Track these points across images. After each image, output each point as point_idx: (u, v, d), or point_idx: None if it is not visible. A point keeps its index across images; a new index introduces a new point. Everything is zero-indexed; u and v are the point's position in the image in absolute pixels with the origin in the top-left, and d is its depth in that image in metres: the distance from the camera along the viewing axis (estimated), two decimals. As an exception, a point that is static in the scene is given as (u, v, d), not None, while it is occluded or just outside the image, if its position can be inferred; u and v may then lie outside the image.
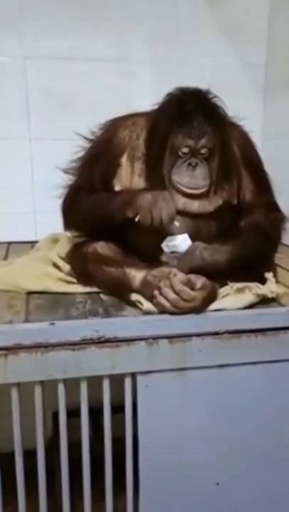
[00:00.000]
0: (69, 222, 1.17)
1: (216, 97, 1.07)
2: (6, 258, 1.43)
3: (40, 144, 1.60)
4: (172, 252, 1.06)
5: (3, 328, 0.94)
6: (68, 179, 1.17)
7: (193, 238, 1.06)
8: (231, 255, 1.04)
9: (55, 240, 1.35)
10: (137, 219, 1.02)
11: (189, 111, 1.03)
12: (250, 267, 1.06)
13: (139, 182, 1.10)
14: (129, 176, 1.10)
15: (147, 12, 1.59)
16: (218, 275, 1.03)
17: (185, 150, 1.05)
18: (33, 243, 1.52)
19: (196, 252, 1.03)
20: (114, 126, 1.14)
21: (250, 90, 1.71)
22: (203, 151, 1.06)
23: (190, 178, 1.06)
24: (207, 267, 1.02)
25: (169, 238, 1.06)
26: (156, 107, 1.10)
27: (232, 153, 1.12)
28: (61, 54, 1.56)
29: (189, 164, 1.06)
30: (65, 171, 1.17)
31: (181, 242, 1.05)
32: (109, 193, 1.12)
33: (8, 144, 1.59)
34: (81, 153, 1.17)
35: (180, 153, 1.05)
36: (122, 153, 1.11)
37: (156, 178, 1.08)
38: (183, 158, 1.06)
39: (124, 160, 1.11)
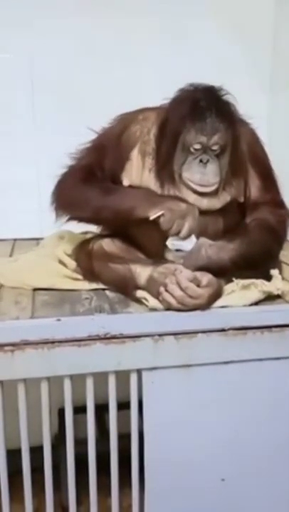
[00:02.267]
0: (67, 203, 1.12)
1: (228, 94, 1.07)
2: (11, 255, 1.44)
3: (46, 140, 1.59)
4: (177, 250, 1.06)
5: (9, 325, 0.95)
6: (69, 160, 1.14)
7: (200, 234, 1.05)
8: (237, 253, 1.04)
9: (60, 237, 1.36)
10: (153, 217, 1.00)
11: (203, 107, 1.03)
12: (256, 265, 1.06)
13: (149, 177, 1.09)
14: (140, 170, 1.10)
15: (154, 8, 1.59)
16: (224, 273, 1.03)
17: (197, 146, 1.05)
18: (38, 240, 1.52)
19: (201, 251, 1.03)
20: (125, 120, 1.14)
21: (256, 87, 1.70)
22: (214, 147, 1.05)
23: (201, 175, 1.06)
24: (213, 265, 1.02)
25: (174, 236, 1.06)
26: (166, 101, 1.09)
27: (241, 149, 1.12)
28: (67, 50, 1.56)
29: (200, 161, 1.06)
30: (70, 155, 1.15)
31: (187, 240, 1.05)
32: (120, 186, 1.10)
33: (14, 140, 1.59)
34: (87, 144, 1.15)
35: (192, 149, 1.05)
36: (132, 147, 1.11)
37: (167, 174, 1.08)
38: (194, 154, 1.06)
39: (134, 154, 1.10)
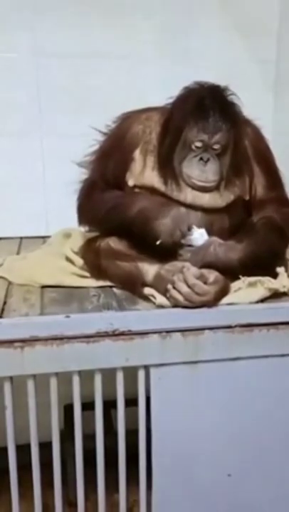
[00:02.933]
0: (84, 219, 1.18)
1: (233, 94, 1.08)
2: (18, 253, 1.44)
3: (52, 140, 1.60)
4: (188, 245, 1.07)
5: (19, 321, 0.96)
6: (83, 173, 1.18)
7: (207, 232, 1.07)
8: (245, 254, 1.05)
9: (67, 234, 1.36)
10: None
11: (206, 106, 1.04)
12: (263, 265, 1.07)
13: (151, 175, 1.10)
14: (141, 169, 1.11)
15: (158, 7, 1.59)
16: (231, 273, 1.04)
17: (198, 144, 1.06)
18: (44, 238, 1.53)
19: (210, 248, 1.04)
20: (128, 120, 1.15)
21: (261, 85, 1.70)
22: (216, 146, 1.06)
23: (201, 172, 1.07)
24: (220, 264, 1.03)
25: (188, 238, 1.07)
26: (170, 101, 1.10)
27: (244, 150, 1.13)
28: (72, 50, 1.56)
29: (201, 159, 1.07)
30: (79, 165, 1.18)
31: (198, 236, 1.06)
32: (125, 193, 1.13)
33: (20, 140, 1.59)
34: (95, 148, 1.17)
35: (193, 147, 1.06)
36: (135, 147, 1.12)
37: (168, 170, 1.08)
38: (195, 152, 1.07)
39: (137, 154, 1.12)
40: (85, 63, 1.58)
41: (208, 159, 1.06)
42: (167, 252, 1.06)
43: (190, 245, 1.07)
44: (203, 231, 1.07)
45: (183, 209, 1.07)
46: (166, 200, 1.09)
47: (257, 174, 1.16)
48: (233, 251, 1.05)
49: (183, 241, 1.07)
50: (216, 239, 1.06)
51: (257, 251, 1.06)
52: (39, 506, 1.06)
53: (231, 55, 1.65)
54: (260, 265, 1.06)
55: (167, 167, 1.09)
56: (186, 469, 1.08)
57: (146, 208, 1.06)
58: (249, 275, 1.05)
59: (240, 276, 1.06)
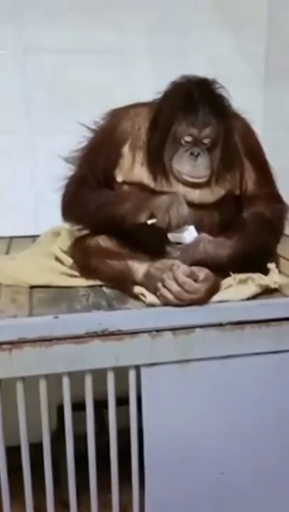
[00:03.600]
0: (70, 216, 1.17)
1: (221, 87, 1.07)
2: (7, 253, 1.43)
3: (41, 137, 1.58)
4: (177, 243, 1.06)
5: (7, 323, 0.95)
6: (70, 169, 1.16)
7: (196, 229, 1.05)
8: (235, 251, 1.04)
9: (56, 233, 1.35)
10: (150, 222, 1.02)
11: (195, 100, 1.03)
12: (254, 261, 1.06)
13: (141, 171, 1.09)
14: (130, 165, 1.10)
15: (148, 2, 1.58)
16: (221, 270, 1.03)
17: (188, 139, 1.04)
18: (34, 237, 1.51)
19: (199, 245, 1.03)
20: (116, 116, 1.14)
21: (251, 79, 1.69)
22: (206, 141, 1.05)
23: (191, 167, 1.05)
24: (209, 261, 1.02)
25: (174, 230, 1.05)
26: (159, 96, 1.09)
27: (234, 144, 1.12)
28: (61, 46, 1.54)
29: (191, 153, 1.05)
30: (67, 160, 1.16)
31: (187, 233, 1.05)
32: (114, 188, 1.12)
33: (8, 138, 1.57)
34: (83, 144, 1.16)
35: (182, 141, 1.05)
36: (124, 143, 1.10)
37: (158, 167, 1.07)
38: (185, 147, 1.05)
39: (126, 150, 1.10)
40: (74, 59, 1.56)
41: (198, 154, 1.05)
42: (159, 239, 1.05)
43: (179, 243, 1.06)
44: (192, 228, 1.05)
45: (174, 195, 1.04)
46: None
47: (248, 169, 1.15)
48: (222, 248, 1.04)
49: (172, 239, 1.06)
50: (205, 236, 1.05)
51: (247, 247, 1.05)
52: (30, 507, 1.05)
53: (221, 50, 1.64)
54: (251, 262, 1.05)
55: (157, 163, 1.08)
56: (178, 468, 1.07)
57: (138, 203, 1.04)
58: (239, 272, 1.04)
59: (231, 273, 1.05)
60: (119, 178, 1.11)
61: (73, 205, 1.14)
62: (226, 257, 1.03)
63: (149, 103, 1.12)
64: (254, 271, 1.05)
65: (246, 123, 1.16)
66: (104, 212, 1.08)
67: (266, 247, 1.10)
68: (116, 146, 1.11)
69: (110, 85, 1.56)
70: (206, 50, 1.62)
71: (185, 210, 1.02)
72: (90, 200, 1.11)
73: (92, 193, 1.12)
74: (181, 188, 1.07)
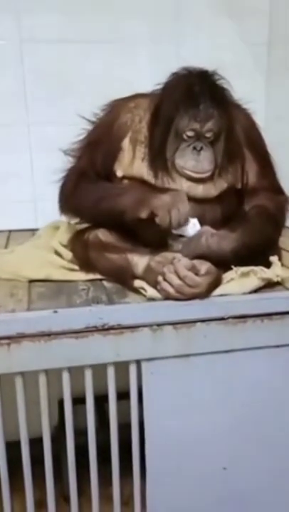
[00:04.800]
0: (68, 208, 1.15)
1: (222, 78, 1.05)
2: (6, 246, 1.42)
3: (39, 129, 1.57)
4: (179, 236, 1.05)
5: (5, 317, 0.93)
6: (68, 161, 1.15)
7: (199, 222, 1.04)
8: (238, 244, 1.02)
9: (56, 227, 1.34)
10: (153, 220, 1.00)
11: (196, 93, 1.01)
12: (256, 254, 1.04)
13: (141, 166, 1.07)
14: (130, 159, 1.08)
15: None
16: (224, 263, 1.01)
17: (190, 133, 1.03)
18: (33, 231, 1.50)
19: (202, 239, 1.01)
20: (116, 108, 1.12)
21: (253, 70, 1.67)
22: (208, 134, 1.03)
23: (195, 162, 1.04)
24: (212, 254, 1.00)
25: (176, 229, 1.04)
26: (159, 87, 1.07)
27: (236, 136, 1.10)
28: (58, 36, 1.52)
29: (194, 148, 1.04)
30: (66, 153, 1.15)
31: (190, 226, 1.03)
32: (114, 183, 1.10)
33: (6, 130, 1.55)
34: (83, 136, 1.14)
35: (185, 136, 1.03)
36: (123, 136, 1.09)
37: (160, 162, 1.06)
38: (187, 141, 1.04)
39: (126, 144, 1.09)
40: (71, 49, 1.54)
41: (201, 148, 1.04)
42: (160, 233, 1.03)
43: (181, 236, 1.04)
44: (195, 221, 1.04)
45: (176, 193, 1.02)
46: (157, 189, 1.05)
47: (249, 160, 1.13)
48: (225, 241, 1.02)
49: (174, 231, 1.04)
50: (208, 228, 1.03)
51: (250, 241, 1.03)
52: (31, 501, 1.05)
53: (223, 39, 1.61)
54: (254, 255, 1.04)
55: (159, 159, 1.06)
56: (180, 463, 1.07)
57: (138, 198, 1.03)
58: (242, 265, 1.02)
59: (233, 267, 1.04)
60: (118, 173, 1.09)
61: (72, 197, 1.12)
62: (229, 251, 1.01)
63: (149, 94, 1.10)
64: (257, 264, 1.04)
65: (248, 114, 1.14)
66: (104, 205, 1.06)
67: (269, 240, 1.09)
68: (116, 140, 1.09)
69: (109, 75, 1.54)
70: (208, 39, 1.59)
71: (187, 208, 1.00)
72: (89, 192, 1.09)
73: (91, 185, 1.10)
74: (184, 184, 1.06)
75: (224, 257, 1.01)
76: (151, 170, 1.06)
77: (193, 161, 1.04)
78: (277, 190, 1.16)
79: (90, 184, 1.10)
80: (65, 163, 1.16)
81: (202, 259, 0.99)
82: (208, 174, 1.05)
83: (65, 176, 1.14)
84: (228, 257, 1.01)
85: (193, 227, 1.03)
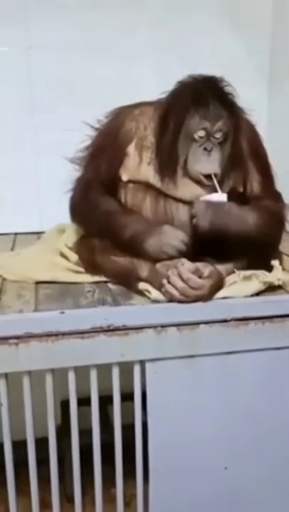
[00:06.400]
0: (78, 220, 1.19)
1: (228, 85, 1.07)
2: (12, 249, 1.44)
3: (45, 134, 1.59)
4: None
5: (14, 317, 0.96)
6: (76, 171, 1.17)
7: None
8: (258, 220, 1.06)
9: (61, 230, 1.36)
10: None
11: (205, 95, 1.03)
12: (268, 240, 1.09)
13: (147, 170, 1.09)
14: (137, 164, 1.10)
15: (151, 0, 1.58)
16: (243, 236, 1.04)
17: (201, 133, 1.04)
18: (39, 234, 1.52)
19: (225, 206, 1.05)
20: (120, 116, 1.14)
21: (255, 78, 1.70)
22: (218, 135, 1.05)
23: (207, 163, 1.05)
24: (233, 223, 1.04)
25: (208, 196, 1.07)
26: (163, 96, 1.09)
27: (240, 141, 1.12)
28: (64, 43, 1.55)
29: (205, 149, 1.05)
30: (71, 161, 1.17)
31: (218, 195, 1.06)
32: (119, 189, 1.13)
33: (12, 134, 1.58)
34: (88, 144, 1.17)
35: (196, 136, 1.04)
36: (129, 143, 1.11)
37: (168, 166, 1.07)
38: (198, 142, 1.05)
39: (131, 149, 1.11)
40: (77, 56, 1.57)
41: (211, 148, 1.05)
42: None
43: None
44: (224, 196, 1.06)
45: (168, 227, 1.05)
46: (156, 220, 1.08)
47: (252, 170, 1.16)
48: (248, 214, 1.06)
49: (202, 198, 1.06)
50: (233, 203, 1.06)
51: (266, 224, 1.08)
52: (36, 501, 1.06)
53: (226, 48, 1.64)
54: (266, 240, 1.08)
55: (168, 162, 1.07)
56: (182, 463, 1.08)
57: (140, 232, 1.05)
58: (252, 249, 1.06)
59: (235, 270, 1.06)
60: (124, 177, 1.11)
61: (81, 212, 1.16)
62: (251, 224, 1.05)
63: (153, 102, 1.12)
64: (257, 266, 1.06)
65: (252, 126, 1.17)
66: (108, 234, 1.10)
67: (273, 235, 1.12)
68: (121, 147, 1.11)
69: (114, 82, 1.56)
70: (211, 47, 1.62)
71: (178, 237, 1.03)
72: (95, 214, 1.12)
73: (97, 204, 1.12)
74: (189, 188, 1.07)
75: (246, 228, 1.05)
76: (158, 174, 1.08)
77: (205, 163, 1.05)
78: (277, 198, 1.18)
79: (95, 201, 1.12)
80: (70, 168, 1.18)
81: (222, 227, 1.02)
82: (219, 175, 1.06)
83: (74, 188, 1.17)
84: (250, 230, 1.05)
85: (221, 196, 1.06)
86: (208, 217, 1.03)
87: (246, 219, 1.06)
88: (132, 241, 1.05)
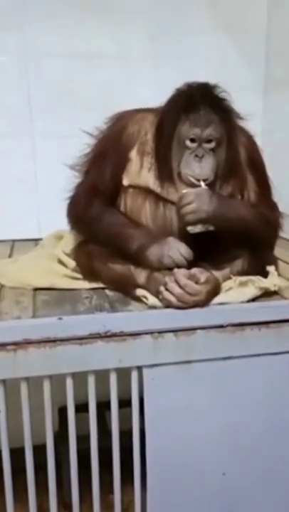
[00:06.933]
0: (79, 227, 1.19)
1: (223, 91, 1.08)
2: (10, 256, 1.45)
3: (43, 141, 1.61)
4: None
5: (12, 324, 0.96)
6: (76, 177, 1.18)
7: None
8: (253, 212, 1.09)
9: (59, 236, 1.37)
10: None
11: (196, 101, 1.04)
12: (261, 238, 1.11)
13: (148, 176, 1.10)
14: (138, 169, 1.11)
15: (148, 8, 1.61)
16: (239, 226, 1.06)
17: (192, 138, 1.05)
18: (36, 241, 1.53)
19: (220, 195, 1.07)
20: (123, 120, 1.15)
21: (250, 85, 1.72)
22: (209, 140, 1.06)
23: (197, 168, 1.06)
24: (230, 210, 1.06)
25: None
26: (164, 103, 1.10)
27: (238, 151, 1.13)
28: (62, 51, 1.57)
29: (196, 155, 1.06)
30: (71, 168, 1.18)
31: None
32: (120, 193, 1.13)
33: (11, 141, 1.60)
34: (89, 149, 1.17)
35: (187, 143, 1.05)
36: (131, 147, 1.12)
37: (165, 172, 1.08)
38: (190, 149, 1.06)
39: (133, 154, 1.11)
40: (75, 64, 1.59)
41: (202, 155, 1.06)
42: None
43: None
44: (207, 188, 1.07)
45: (172, 239, 1.06)
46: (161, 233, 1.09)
47: (250, 181, 1.17)
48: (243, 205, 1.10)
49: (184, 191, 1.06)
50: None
51: (263, 221, 1.10)
52: (34, 509, 1.06)
53: (221, 56, 1.66)
54: (255, 237, 1.09)
55: (165, 169, 1.08)
56: (180, 469, 1.08)
57: (146, 245, 1.06)
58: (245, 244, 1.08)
59: (231, 276, 1.07)
60: (125, 182, 1.12)
61: (82, 221, 1.16)
62: (247, 214, 1.07)
63: (154, 109, 1.13)
64: (251, 271, 1.08)
65: (251, 137, 1.18)
66: (114, 246, 1.10)
67: (266, 237, 1.14)
68: (124, 150, 1.12)
69: (111, 90, 1.58)
70: (206, 55, 1.64)
71: (180, 251, 1.03)
72: (100, 224, 1.11)
73: (102, 215, 1.12)
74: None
75: (240, 215, 1.06)
76: (158, 180, 1.09)
77: (196, 168, 1.06)
78: (273, 208, 1.19)
79: (99, 212, 1.12)
80: (69, 175, 1.18)
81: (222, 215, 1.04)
82: (209, 180, 1.07)
83: (75, 191, 1.16)
84: (245, 220, 1.07)
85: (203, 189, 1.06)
86: (211, 203, 1.03)
87: (241, 208, 1.08)
88: (138, 252, 1.06)
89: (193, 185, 1.06)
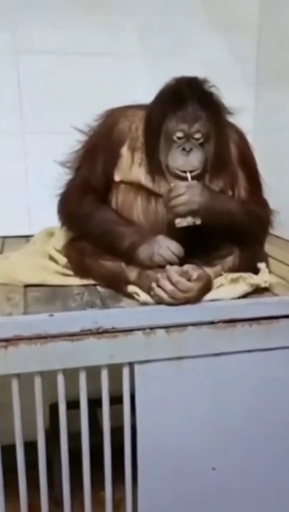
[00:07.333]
0: (69, 224, 1.18)
1: (212, 86, 1.08)
2: (1, 252, 1.44)
3: (34, 138, 1.60)
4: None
5: (3, 320, 0.95)
6: (66, 174, 1.17)
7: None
8: (243, 206, 1.10)
9: (50, 233, 1.36)
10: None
11: (184, 96, 1.04)
12: (251, 230, 1.11)
13: (139, 171, 1.10)
14: (129, 165, 1.11)
15: (139, 5, 1.60)
16: (228, 219, 1.06)
17: (179, 134, 1.05)
18: (27, 237, 1.52)
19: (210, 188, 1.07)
20: (113, 116, 1.14)
21: (242, 83, 1.72)
22: (197, 135, 1.05)
23: (184, 161, 1.05)
24: (217, 204, 1.05)
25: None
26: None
27: (228, 146, 1.13)
28: (54, 48, 1.56)
29: (183, 149, 1.05)
30: (62, 164, 1.17)
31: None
32: (112, 189, 1.13)
33: (1, 138, 1.58)
34: (80, 146, 1.17)
35: (174, 138, 1.05)
36: (123, 143, 1.11)
37: (155, 166, 1.08)
38: (177, 143, 1.05)
39: (124, 150, 1.11)
40: (67, 61, 1.58)
41: (190, 149, 1.05)
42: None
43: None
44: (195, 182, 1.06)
45: (162, 237, 1.06)
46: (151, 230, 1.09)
47: (241, 177, 1.17)
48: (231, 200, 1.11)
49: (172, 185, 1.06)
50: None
51: (253, 217, 1.11)
52: (25, 506, 1.05)
53: (213, 53, 1.66)
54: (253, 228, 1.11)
55: (154, 163, 1.08)
56: (171, 465, 1.08)
57: (136, 243, 1.05)
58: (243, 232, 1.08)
59: (223, 273, 1.07)
60: (116, 178, 1.12)
61: (73, 217, 1.15)
62: (234, 208, 1.08)
63: (144, 105, 1.13)
64: (243, 267, 1.08)
65: (242, 134, 1.18)
66: (105, 243, 1.09)
67: (255, 232, 1.14)
68: (115, 146, 1.11)
69: (103, 87, 1.57)
70: (197, 53, 1.64)
71: (171, 249, 1.03)
72: (92, 221, 1.11)
73: (93, 212, 1.11)
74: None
75: (229, 208, 1.07)
76: (149, 175, 1.09)
77: (182, 161, 1.05)
78: (264, 205, 1.20)
79: (91, 208, 1.12)
80: (60, 171, 1.18)
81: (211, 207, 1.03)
82: (196, 171, 1.06)
83: (66, 188, 1.16)
84: (233, 210, 1.07)
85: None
86: (203, 196, 1.03)
87: (231, 202, 1.09)
88: (129, 250, 1.06)
89: (181, 178, 1.06)
